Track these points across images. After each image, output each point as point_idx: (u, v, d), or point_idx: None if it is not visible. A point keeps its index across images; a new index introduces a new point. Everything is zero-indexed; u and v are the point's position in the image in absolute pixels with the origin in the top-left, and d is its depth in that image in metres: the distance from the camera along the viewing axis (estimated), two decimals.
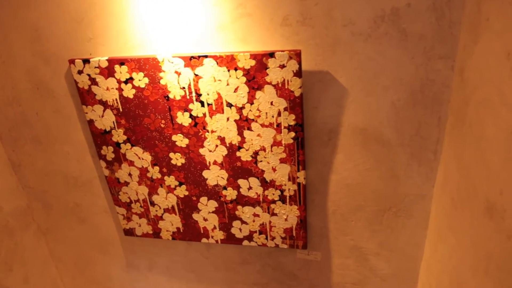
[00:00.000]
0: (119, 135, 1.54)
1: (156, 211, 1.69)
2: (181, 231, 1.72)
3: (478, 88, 1.06)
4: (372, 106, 1.31)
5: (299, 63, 1.24)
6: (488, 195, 1.00)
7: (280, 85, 1.29)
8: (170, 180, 1.59)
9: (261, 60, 1.26)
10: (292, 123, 1.34)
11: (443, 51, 1.20)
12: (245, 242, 1.67)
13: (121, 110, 1.47)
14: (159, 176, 1.59)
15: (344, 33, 1.22)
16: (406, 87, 1.26)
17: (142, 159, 1.57)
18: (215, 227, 1.67)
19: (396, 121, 1.32)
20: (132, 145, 1.54)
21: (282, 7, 1.22)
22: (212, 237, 1.70)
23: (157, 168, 1.57)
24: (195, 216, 1.66)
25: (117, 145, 1.56)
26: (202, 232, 1.70)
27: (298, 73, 1.26)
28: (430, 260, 1.51)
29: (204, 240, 1.72)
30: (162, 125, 1.46)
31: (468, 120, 1.14)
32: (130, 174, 1.62)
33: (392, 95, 1.28)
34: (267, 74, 1.27)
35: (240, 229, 1.64)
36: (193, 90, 1.36)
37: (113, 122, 1.51)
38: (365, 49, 1.23)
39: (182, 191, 1.60)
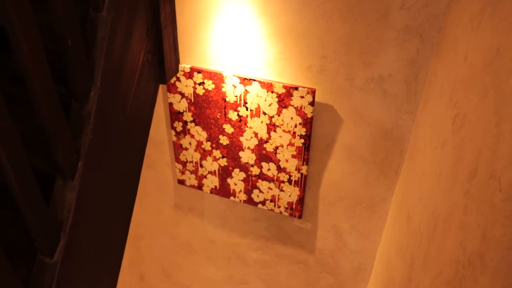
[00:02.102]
0: (188, 116, 2.24)
1: (203, 171, 2.41)
2: (217, 188, 2.43)
3: (419, 139, 1.68)
4: (359, 134, 1.94)
5: (313, 97, 1.88)
6: (408, 208, 1.63)
7: (299, 108, 1.93)
8: (216, 153, 2.29)
9: (289, 90, 1.90)
10: (303, 133, 1.99)
11: (408, 108, 1.79)
12: (260, 206, 2.37)
13: (192, 101, 2.17)
14: (209, 148, 2.29)
15: (346, 84, 1.84)
16: (381, 126, 1.87)
17: (200, 135, 2.27)
18: (241, 191, 2.36)
19: (373, 147, 1.94)
20: (196, 125, 2.24)
21: (308, 60, 1.85)
22: (237, 197, 2.40)
23: (209, 143, 2.27)
24: (228, 180, 2.36)
25: (185, 122, 2.27)
26: (231, 192, 2.40)
27: (312, 103, 1.90)
28: (383, 243, 2.15)
29: (231, 198, 2.43)
30: (218, 116, 2.15)
31: (411, 158, 1.76)
32: (190, 143, 2.34)
33: (372, 129, 1.90)
34: (292, 100, 1.92)
35: (258, 196, 2.33)
36: (242, 99, 2.03)
37: (186, 107, 2.21)
38: (358, 96, 1.84)
39: (223, 162, 2.30)
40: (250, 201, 2.38)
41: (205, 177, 2.43)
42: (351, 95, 1.85)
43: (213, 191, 2.46)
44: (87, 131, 0.85)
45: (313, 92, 1.87)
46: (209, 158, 2.34)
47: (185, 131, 2.31)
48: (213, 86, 2.07)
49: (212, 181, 2.42)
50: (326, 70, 1.84)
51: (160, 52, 1.09)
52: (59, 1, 0.73)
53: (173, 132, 2.36)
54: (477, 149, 1.00)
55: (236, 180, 2.34)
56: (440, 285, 1.14)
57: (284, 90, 1.92)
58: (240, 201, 2.41)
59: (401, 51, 1.66)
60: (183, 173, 2.49)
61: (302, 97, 1.89)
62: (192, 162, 2.41)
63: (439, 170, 1.32)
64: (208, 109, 2.15)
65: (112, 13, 0.86)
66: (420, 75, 1.69)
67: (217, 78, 2.03)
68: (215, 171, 2.37)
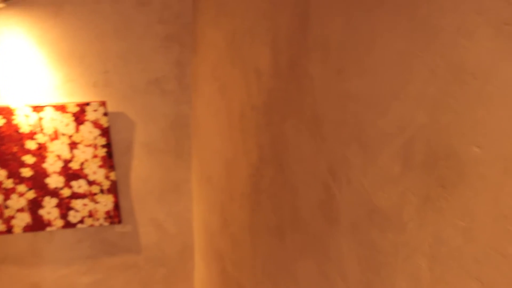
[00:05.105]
0: None
1: (10, 212, 2.39)
2: (30, 224, 2.45)
3: (199, 120, 2.17)
4: (151, 130, 2.33)
5: (105, 108, 2.18)
6: (207, 173, 2.10)
7: (95, 121, 2.20)
8: (21, 188, 2.33)
9: (82, 107, 2.16)
10: (104, 143, 2.27)
11: (184, 99, 2.28)
12: (79, 225, 2.50)
13: None
14: (12, 185, 2.32)
15: (130, 90, 2.21)
16: (168, 118, 2.31)
17: None
18: (56, 218, 2.45)
19: (165, 138, 2.36)
20: None
21: (93, 76, 2.15)
22: (54, 225, 2.47)
23: (10, 180, 2.30)
24: (40, 211, 2.42)
25: None
26: (46, 223, 2.46)
27: (105, 114, 2.20)
28: (197, 216, 2.58)
29: (48, 229, 2.48)
30: (15, 150, 2.22)
31: (196, 136, 2.25)
32: None
33: (160, 124, 2.32)
34: (86, 115, 2.18)
35: (74, 216, 2.46)
36: (38, 126, 2.17)
37: None
38: (143, 99, 2.24)
39: (30, 195, 2.36)
40: (68, 224, 2.48)
41: (13, 217, 2.42)
42: (136, 99, 2.24)
43: (26, 229, 2.46)
44: None
45: (104, 104, 2.18)
46: (14, 196, 2.35)
47: None
48: (3, 121, 2.14)
49: (22, 219, 2.43)
50: (111, 83, 2.18)
51: None
52: None
53: None
54: (239, 99, 1.53)
55: (49, 208, 2.42)
56: (245, 201, 1.62)
57: (77, 108, 2.16)
58: (58, 228, 2.49)
59: (167, 55, 2.14)
60: None
61: (96, 110, 2.18)
62: None
63: (219, 130, 1.83)
64: (3, 145, 2.20)
65: None
66: (187, 71, 2.20)
67: (6, 112, 2.13)
68: (23, 207, 2.40)
